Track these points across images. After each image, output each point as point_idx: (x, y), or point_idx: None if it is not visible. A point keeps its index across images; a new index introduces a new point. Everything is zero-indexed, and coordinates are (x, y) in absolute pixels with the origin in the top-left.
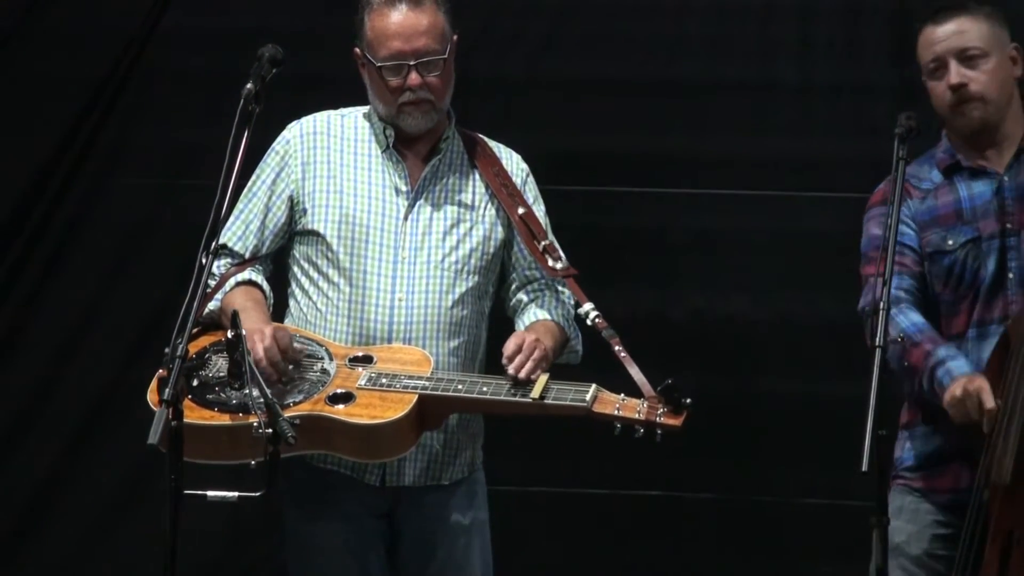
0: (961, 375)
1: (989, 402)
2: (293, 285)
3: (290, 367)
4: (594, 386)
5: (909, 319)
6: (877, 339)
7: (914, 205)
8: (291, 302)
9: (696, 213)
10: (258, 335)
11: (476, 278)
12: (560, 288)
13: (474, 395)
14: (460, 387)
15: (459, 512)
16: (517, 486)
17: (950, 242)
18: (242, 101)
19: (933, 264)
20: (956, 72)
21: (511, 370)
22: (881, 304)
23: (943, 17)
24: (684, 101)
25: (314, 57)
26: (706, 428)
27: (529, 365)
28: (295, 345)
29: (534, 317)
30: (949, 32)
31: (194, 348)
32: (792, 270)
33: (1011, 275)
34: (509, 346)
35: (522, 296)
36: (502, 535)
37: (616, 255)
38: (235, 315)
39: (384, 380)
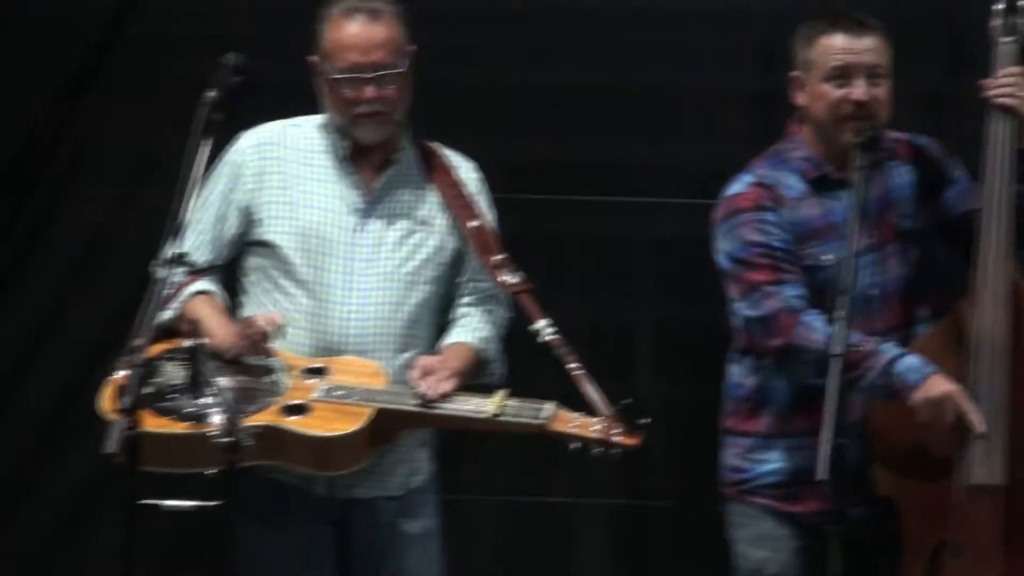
0: (930, 372)
1: (969, 407)
2: (245, 296)
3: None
4: (552, 404)
5: (826, 324)
6: (837, 347)
7: (786, 214)
8: (242, 313)
9: (655, 222)
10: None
11: (430, 289)
12: (494, 307)
13: (429, 410)
14: (415, 402)
15: (410, 522)
16: (470, 495)
17: (826, 257)
18: (204, 109)
19: (809, 278)
20: (864, 89)
21: (420, 390)
22: (842, 312)
23: (857, 29)
24: (641, 109)
25: (284, 65)
26: (668, 437)
27: (437, 385)
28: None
29: (451, 340)
30: (863, 47)
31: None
32: None
33: (876, 290)
34: (417, 368)
35: (462, 309)
36: (455, 545)
37: (573, 264)
38: (195, 323)
39: (339, 392)
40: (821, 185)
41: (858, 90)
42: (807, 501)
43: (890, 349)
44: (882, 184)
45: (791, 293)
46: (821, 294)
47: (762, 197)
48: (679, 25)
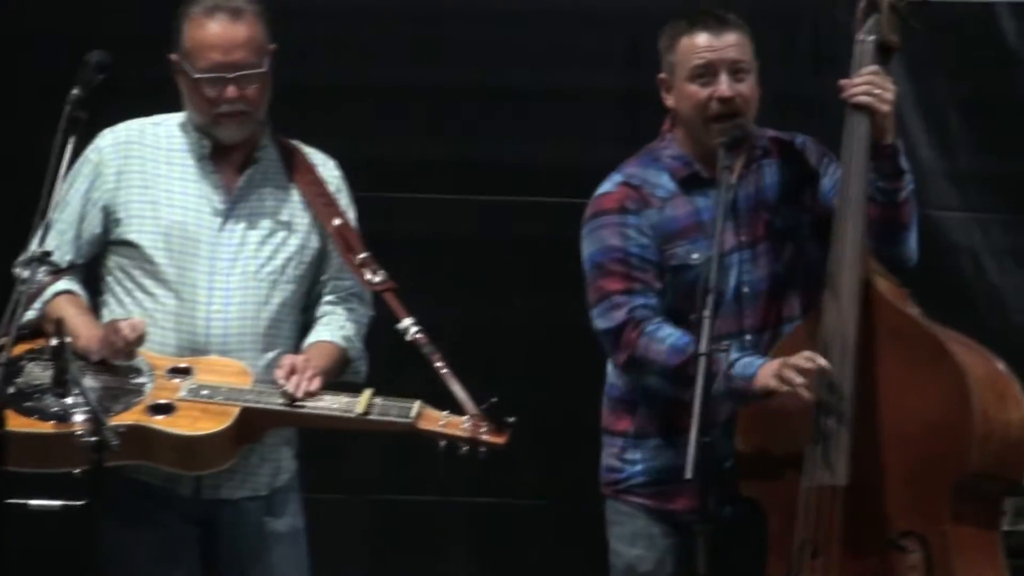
0: (764, 362)
1: (811, 361)
2: (107, 295)
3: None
4: (418, 402)
5: (674, 332)
6: (700, 347)
7: (652, 215)
8: (104, 311)
9: (524, 221)
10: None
11: (292, 288)
12: (356, 305)
13: (296, 409)
14: (281, 400)
15: (275, 521)
16: (336, 493)
17: (694, 256)
18: (68, 107)
19: (675, 277)
20: (728, 85)
21: (287, 388)
22: (706, 312)
23: (717, 27)
24: (509, 108)
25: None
26: (535, 436)
27: (303, 384)
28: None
29: (316, 338)
30: (725, 43)
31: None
32: None
33: (746, 289)
34: (282, 367)
35: (325, 307)
36: (321, 543)
37: (438, 263)
38: (59, 323)
39: (205, 392)
40: (691, 184)
41: (722, 87)
42: (679, 500)
43: (733, 353)
44: (755, 182)
45: (639, 303)
46: (691, 293)
47: (627, 198)
48: (546, 24)
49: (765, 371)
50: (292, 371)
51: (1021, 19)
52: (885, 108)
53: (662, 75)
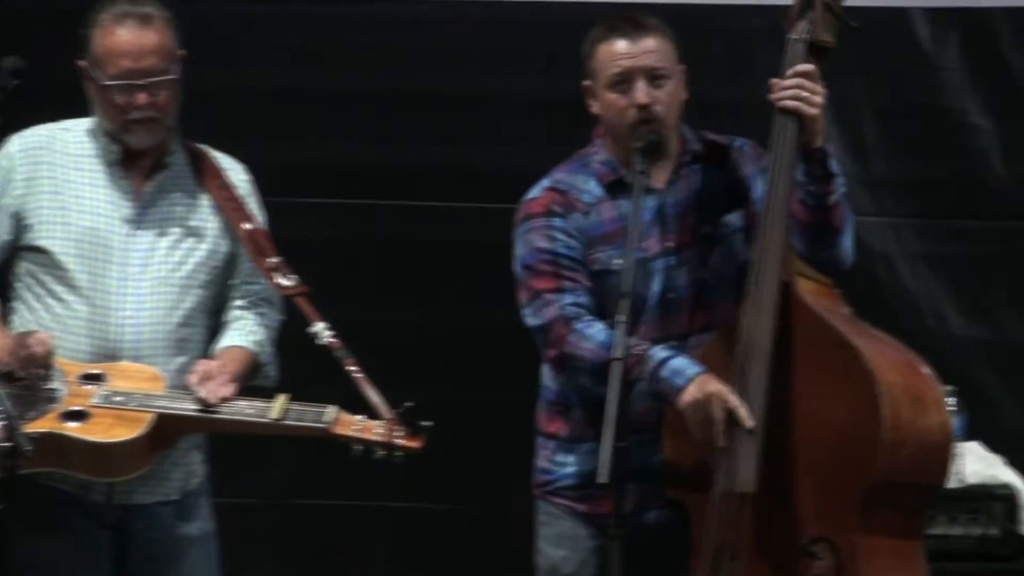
0: (696, 374)
1: (734, 401)
2: (17, 301)
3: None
4: (333, 407)
5: (604, 330)
6: (617, 351)
7: (578, 219)
8: (15, 318)
9: (450, 225)
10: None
11: (203, 293)
12: (267, 309)
13: (211, 415)
14: (195, 406)
15: (186, 525)
16: (248, 498)
17: (616, 261)
18: None
19: (599, 282)
20: (644, 92)
21: (201, 394)
22: (621, 317)
23: (634, 32)
24: (432, 113)
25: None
26: (457, 440)
27: (217, 390)
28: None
29: (228, 343)
30: (641, 50)
31: None
32: None
33: (672, 295)
34: (195, 373)
35: (235, 312)
36: (232, 548)
37: (363, 268)
38: None
39: (118, 398)
40: (618, 189)
41: (638, 95)
42: (608, 503)
43: (658, 353)
44: (684, 188)
45: (569, 301)
46: (614, 298)
47: (554, 202)
48: (466, 29)
49: (689, 395)
50: (206, 377)
51: (935, 24)
52: (813, 111)
53: (586, 82)
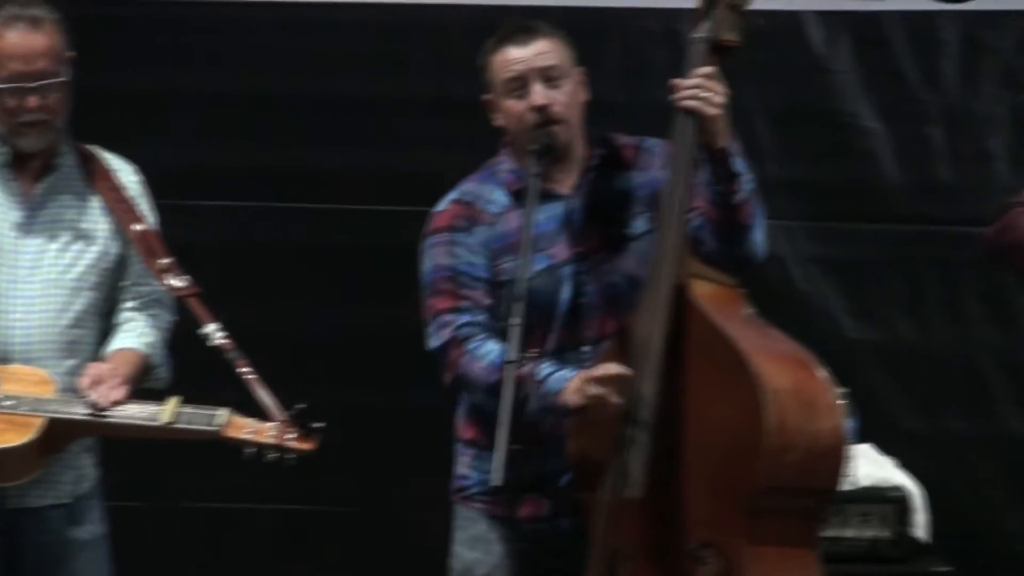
0: (574, 375)
1: (613, 368)
2: None
3: None
4: (225, 410)
5: (496, 348)
6: (510, 354)
7: (484, 231)
8: None
9: (343, 227)
10: None
11: (94, 295)
12: (158, 311)
13: (102, 419)
14: (86, 410)
15: (78, 529)
16: (139, 501)
17: None
18: None
19: (507, 292)
20: (541, 93)
21: (92, 398)
22: (514, 320)
23: (523, 37)
24: (332, 116)
25: None
26: (348, 441)
27: (109, 393)
28: None
29: (119, 345)
30: (532, 52)
31: None
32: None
33: (583, 300)
34: (86, 376)
35: (126, 313)
36: (123, 551)
37: (257, 270)
38: None
39: (8, 403)
40: (524, 197)
41: (535, 96)
42: (523, 507)
43: (545, 368)
44: (593, 192)
45: (465, 321)
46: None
47: (457, 216)
48: (362, 32)
49: (569, 387)
50: (97, 380)
51: (827, 27)
52: (712, 112)
53: (486, 96)
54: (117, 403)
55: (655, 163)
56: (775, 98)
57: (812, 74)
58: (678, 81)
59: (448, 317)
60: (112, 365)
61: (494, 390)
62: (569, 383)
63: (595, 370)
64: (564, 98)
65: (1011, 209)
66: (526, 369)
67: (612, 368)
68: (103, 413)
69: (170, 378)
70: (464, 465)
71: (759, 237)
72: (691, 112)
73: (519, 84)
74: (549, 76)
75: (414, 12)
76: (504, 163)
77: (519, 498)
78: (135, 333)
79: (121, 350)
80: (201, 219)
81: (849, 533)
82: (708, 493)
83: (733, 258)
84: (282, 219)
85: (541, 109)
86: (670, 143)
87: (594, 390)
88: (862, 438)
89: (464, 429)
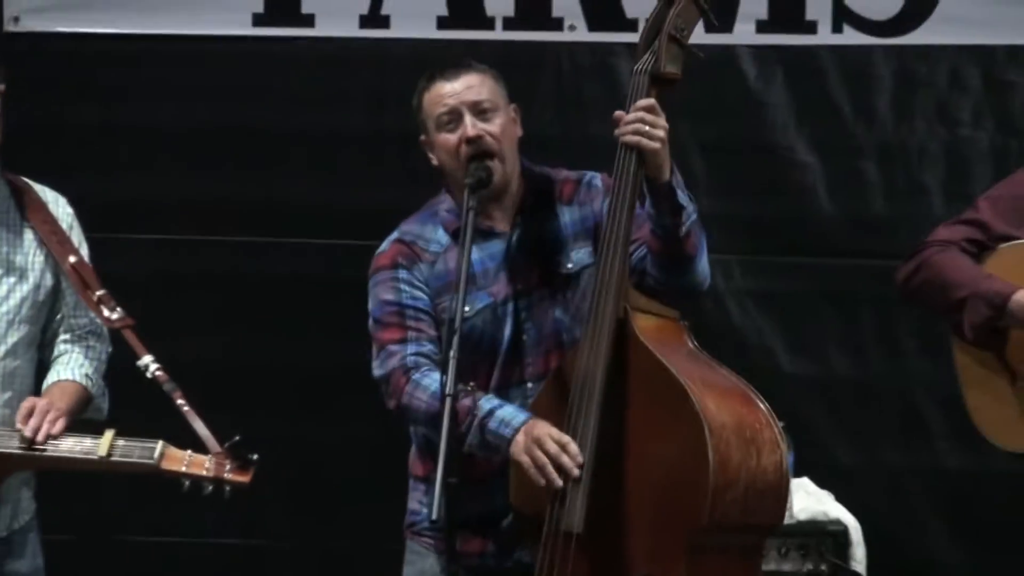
0: (522, 422)
1: (564, 437)
2: None
3: None
4: (161, 442)
5: (439, 379)
6: (448, 388)
7: (425, 269)
8: None
9: (280, 260)
10: None
11: (28, 328)
12: (94, 343)
13: (37, 453)
14: (21, 444)
15: (15, 562)
16: (74, 534)
17: (466, 308)
18: None
19: (449, 329)
20: (472, 124)
21: (27, 433)
22: (452, 352)
23: (452, 73)
24: (263, 149)
25: None
26: (284, 475)
27: (45, 427)
28: None
29: (56, 377)
30: (462, 86)
31: None
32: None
33: (525, 337)
34: (22, 410)
35: (59, 344)
36: None
37: (185, 302)
38: None
39: None
40: None
41: (467, 128)
42: (471, 543)
43: (487, 403)
44: (532, 228)
45: (412, 351)
46: (465, 345)
47: (399, 254)
48: (298, 67)
49: (518, 445)
50: (30, 414)
51: (761, 62)
52: (654, 146)
53: (422, 137)
54: (52, 437)
55: (596, 197)
56: (710, 132)
57: (747, 108)
58: (620, 114)
59: (394, 347)
60: (48, 399)
61: (436, 421)
62: (518, 438)
63: (547, 443)
64: (497, 130)
65: (925, 248)
66: (466, 402)
67: (564, 445)
68: (38, 448)
69: (109, 408)
70: (415, 500)
71: (703, 266)
72: (633, 147)
73: (451, 118)
74: (481, 109)
75: (350, 46)
76: (443, 203)
77: (459, 533)
78: (73, 365)
79: (59, 383)
80: (133, 252)
81: (787, 567)
82: (650, 528)
83: (678, 288)
84: (215, 252)
85: (474, 141)
86: (612, 177)
87: (542, 463)
88: (799, 471)
89: (415, 465)
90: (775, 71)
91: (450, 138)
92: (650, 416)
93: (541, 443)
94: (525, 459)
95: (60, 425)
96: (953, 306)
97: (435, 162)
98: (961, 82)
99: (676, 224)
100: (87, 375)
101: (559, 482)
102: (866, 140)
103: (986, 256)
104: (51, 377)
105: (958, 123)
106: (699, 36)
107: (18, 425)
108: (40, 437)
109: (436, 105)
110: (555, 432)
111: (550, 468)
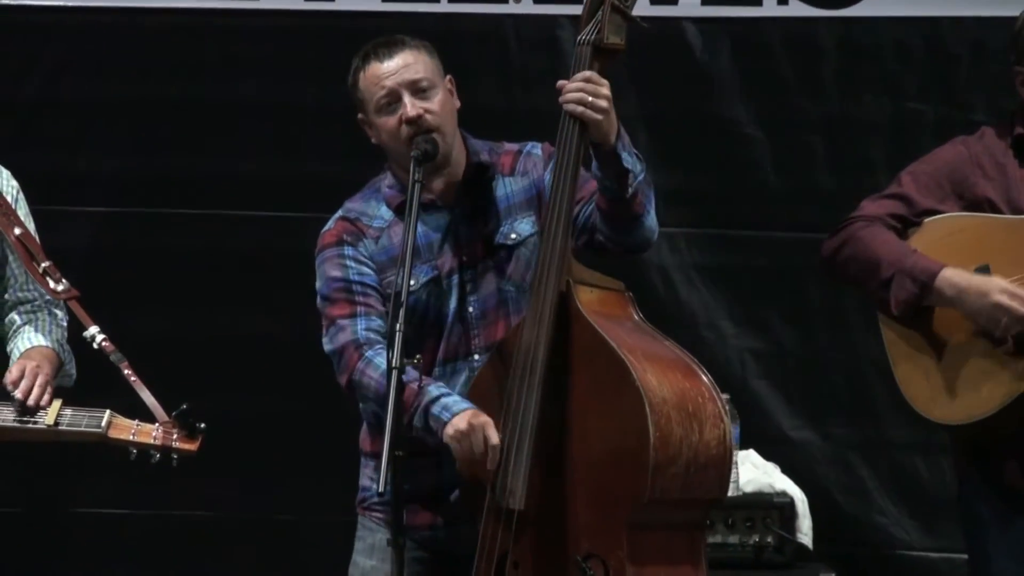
0: (462, 410)
1: (494, 438)
2: None
3: None
4: (108, 412)
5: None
6: (394, 360)
7: (369, 245)
8: None
9: (227, 232)
10: None
11: None
12: (55, 310)
13: None
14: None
15: None
16: (21, 507)
17: (411, 282)
18: None
19: (394, 303)
20: (412, 104)
21: (19, 395)
22: (398, 325)
23: (386, 52)
24: (217, 122)
25: None
26: (234, 447)
27: (36, 392)
28: None
29: (30, 343)
30: (398, 66)
31: None
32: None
33: (471, 309)
34: (12, 373)
35: (15, 317)
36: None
37: (130, 275)
38: None
39: None
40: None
41: (406, 109)
42: (420, 516)
43: (432, 391)
44: (475, 200)
45: (362, 326)
46: (410, 319)
47: (344, 232)
48: (261, 38)
49: (450, 429)
50: (22, 376)
51: (706, 34)
52: (597, 117)
53: (359, 116)
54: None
55: (537, 164)
56: (655, 105)
57: (692, 81)
58: (563, 83)
59: (344, 322)
60: (36, 362)
61: (386, 400)
62: (452, 422)
63: (479, 431)
64: (436, 107)
65: (850, 223)
66: (414, 385)
67: (493, 439)
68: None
69: (76, 375)
70: (365, 476)
71: (651, 222)
72: (576, 116)
73: (390, 99)
74: (418, 87)
75: (293, 18)
76: (386, 179)
77: (409, 506)
78: (43, 331)
79: (37, 347)
80: (78, 224)
81: (733, 539)
82: (592, 504)
83: (627, 244)
84: (159, 225)
85: (414, 121)
86: (555, 145)
87: (475, 448)
88: (745, 444)
89: (365, 441)
90: (721, 43)
91: (390, 120)
92: (592, 391)
93: (474, 431)
94: (455, 445)
95: (47, 389)
96: (879, 283)
97: (374, 140)
98: (906, 54)
99: (623, 186)
100: (58, 340)
101: (491, 466)
102: (812, 113)
103: (912, 231)
104: (23, 343)
105: (904, 95)
106: (644, 8)
107: (9, 387)
108: (32, 401)
109: (373, 87)
110: (490, 428)
111: (477, 459)
